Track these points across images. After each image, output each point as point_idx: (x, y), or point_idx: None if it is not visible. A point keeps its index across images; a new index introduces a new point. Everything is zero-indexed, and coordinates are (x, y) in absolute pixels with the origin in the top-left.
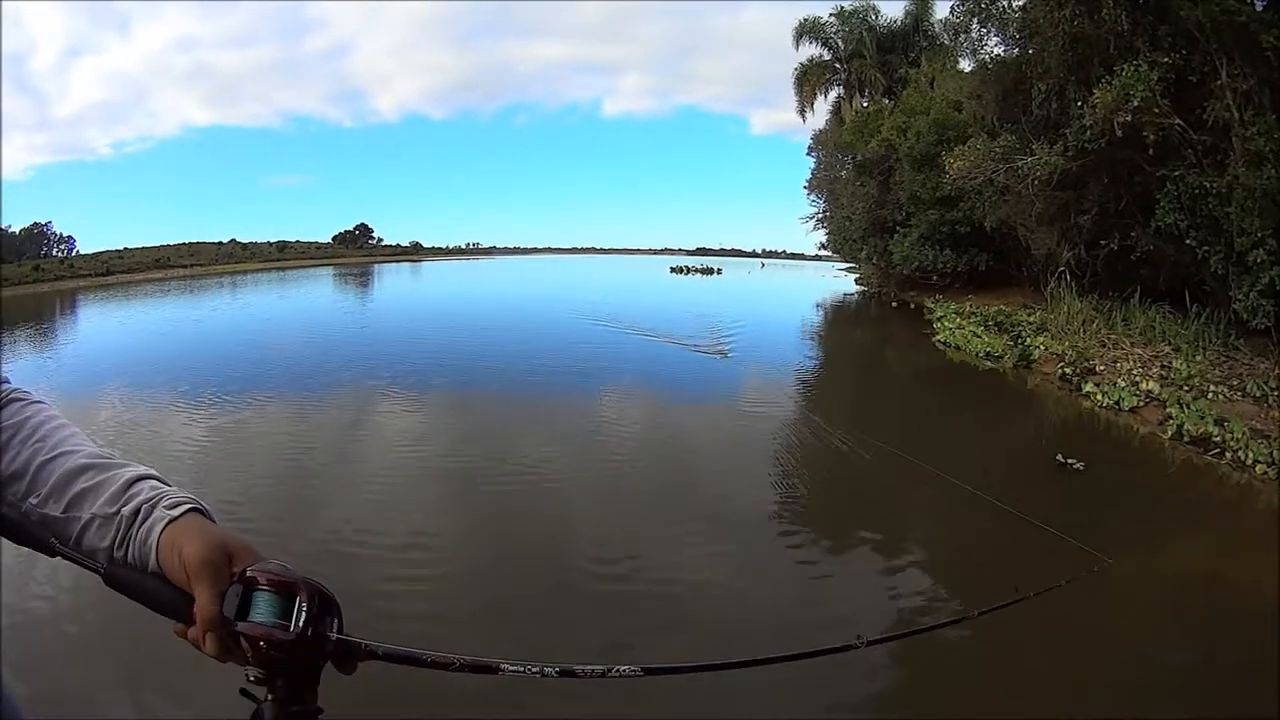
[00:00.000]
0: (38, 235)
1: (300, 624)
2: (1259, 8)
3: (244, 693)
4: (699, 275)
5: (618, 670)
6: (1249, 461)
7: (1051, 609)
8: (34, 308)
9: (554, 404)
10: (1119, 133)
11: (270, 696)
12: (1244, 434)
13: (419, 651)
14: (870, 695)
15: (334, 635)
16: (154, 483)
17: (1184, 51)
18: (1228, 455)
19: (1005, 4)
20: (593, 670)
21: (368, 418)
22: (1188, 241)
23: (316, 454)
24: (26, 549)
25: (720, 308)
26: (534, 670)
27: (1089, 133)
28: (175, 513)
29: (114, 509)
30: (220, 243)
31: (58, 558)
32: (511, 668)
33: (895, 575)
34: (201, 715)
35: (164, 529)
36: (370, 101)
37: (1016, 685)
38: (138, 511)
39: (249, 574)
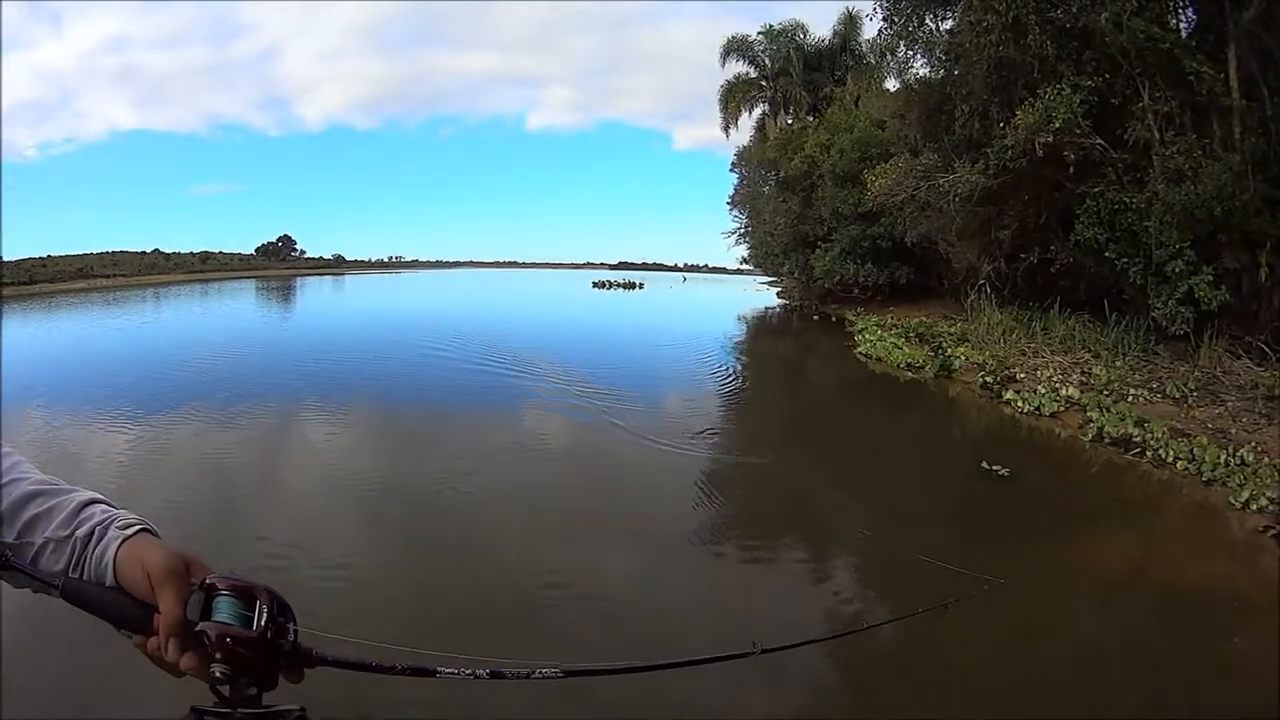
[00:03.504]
0: None
1: (262, 623)
2: (1183, 35)
3: (214, 688)
4: (621, 290)
5: (540, 672)
6: (1169, 459)
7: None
8: None
9: None
10: (1040, 152)
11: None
12: (1164, 433)
13: (364, 658)
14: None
15: (291, 638)
16: (104, 506)
17: (1107, 76)
18: (1148, 454)
19: (932, 28)
20: (519, 672)
21: None
22: (1107, 254)
23: None
24: None
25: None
26: (466, 672)
27: (1010, 152)
28: (129, 532)
29: (67, 531)
30: (144, 252)
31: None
32: (447, 670)
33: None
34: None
35: (119, 547)
36: (297, 109)
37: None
38: (91, 533)
39: (209, 581)
